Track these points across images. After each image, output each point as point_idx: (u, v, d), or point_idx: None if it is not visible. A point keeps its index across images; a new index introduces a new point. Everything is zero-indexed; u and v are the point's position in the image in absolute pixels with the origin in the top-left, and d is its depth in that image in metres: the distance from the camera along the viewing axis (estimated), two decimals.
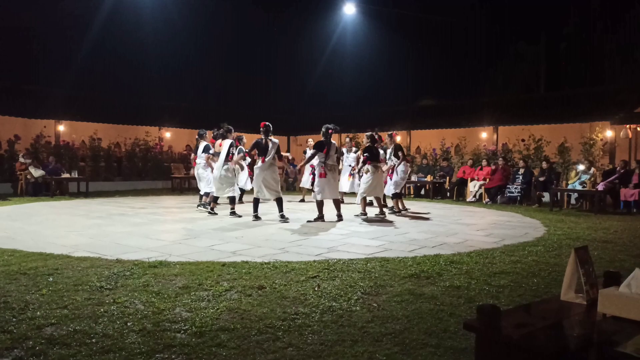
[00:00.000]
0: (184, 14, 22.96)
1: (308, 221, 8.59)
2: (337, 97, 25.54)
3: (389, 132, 10.59)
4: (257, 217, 8.66)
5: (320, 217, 8.68)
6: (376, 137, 9.68)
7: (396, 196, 10.25)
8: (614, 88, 16.02)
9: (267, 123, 8.71)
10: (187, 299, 3.81)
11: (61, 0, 20.06)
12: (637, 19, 20.62)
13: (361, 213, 9.17)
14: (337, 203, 8.91)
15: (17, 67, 19.92)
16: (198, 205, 10.49)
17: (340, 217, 8.73)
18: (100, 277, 4.40)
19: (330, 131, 8.75)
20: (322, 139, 8.74)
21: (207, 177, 10.16)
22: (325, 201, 8.83)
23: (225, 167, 9.27)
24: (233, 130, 9.63)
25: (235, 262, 5.07)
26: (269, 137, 8.58)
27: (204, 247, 6.01)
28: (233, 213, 9.19)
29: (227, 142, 9.35)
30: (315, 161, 9.24)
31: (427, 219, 9.40)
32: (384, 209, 9.55)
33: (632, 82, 16.92)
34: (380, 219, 9.06)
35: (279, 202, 8.67)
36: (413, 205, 11.74)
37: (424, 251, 5.89)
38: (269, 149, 8.50)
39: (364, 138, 10.09)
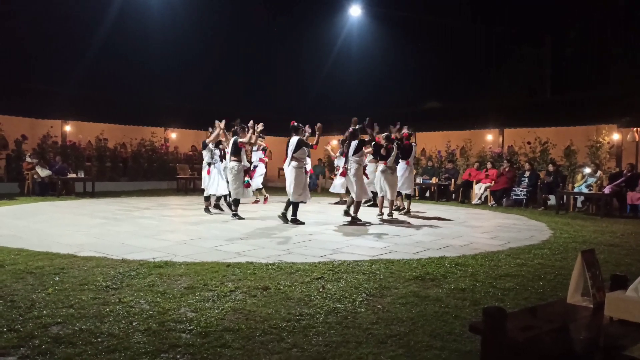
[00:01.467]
0: (188, 16, 23.14)
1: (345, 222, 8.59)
2: (340, 98, 25.56)
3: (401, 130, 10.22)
4: (294, 221, 8.44)
5: (355, 219, 8.57)
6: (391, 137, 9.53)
7: (404, 196, 10.44)
8: (620, 90, 15.92)
9: (293, 122, 8.58)
10: (192, 299, 3.82)
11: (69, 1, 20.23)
12: None
13: (378, 214, 9.27)
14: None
15: (25, 68, 20.09)
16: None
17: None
18: (105, 276, 4.42)
19: (350, 130, 8.76)
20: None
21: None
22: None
23: (231, 165, 9.04)
24: (242, 129, 9.22)
25: (240, 263, 5.08)
26: (295, 136, 8.41)
27: (209, 248, 6.03)
28: (235, 215, 9.09)
29: (231, 140, 9.20)
30: (338, 162, 9.37)
31: (432, 221, 9.38)
32: (392, 211, 9.52)
33: (638, 84, 16.79)
34: (389, 220, 9.07)
35: (290, 203, 8.53)
36: (418, 207, 11.71)
37: (429, 253, 5.88)
38: (288, 148, 8.38)
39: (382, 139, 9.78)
